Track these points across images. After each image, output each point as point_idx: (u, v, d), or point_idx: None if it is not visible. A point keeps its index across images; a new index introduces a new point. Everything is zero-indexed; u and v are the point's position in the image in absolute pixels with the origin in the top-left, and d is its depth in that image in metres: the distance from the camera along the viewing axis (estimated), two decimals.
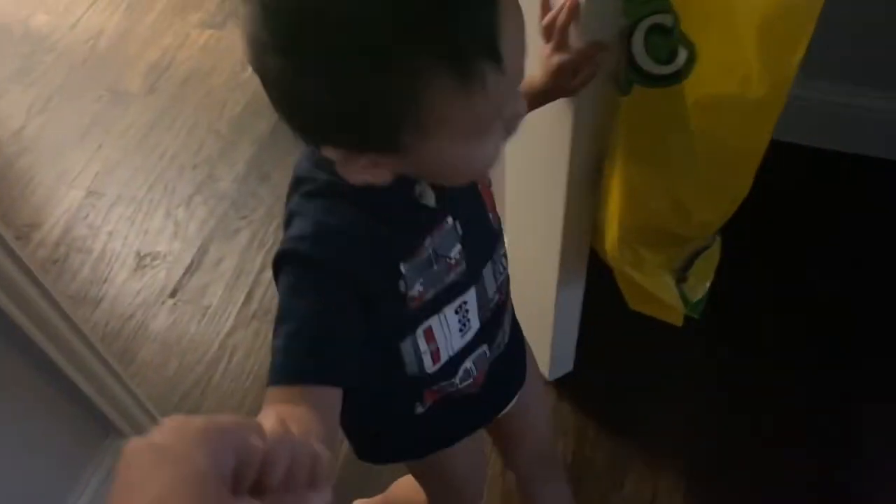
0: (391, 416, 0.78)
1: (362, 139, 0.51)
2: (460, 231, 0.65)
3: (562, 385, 1.33)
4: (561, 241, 1.03)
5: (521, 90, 0.58)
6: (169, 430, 0.33)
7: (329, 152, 0.52)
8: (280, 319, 0.55)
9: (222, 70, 1.90)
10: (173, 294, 1.50)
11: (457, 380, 0.73)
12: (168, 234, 1.59)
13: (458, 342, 0.69)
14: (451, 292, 0.66)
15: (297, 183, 0.60)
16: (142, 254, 1.57)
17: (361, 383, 0.54)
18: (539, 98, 0.77)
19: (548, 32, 0.75)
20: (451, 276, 0.65)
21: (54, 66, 1.96)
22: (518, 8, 0.49)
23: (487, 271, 0.70)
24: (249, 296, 1.48)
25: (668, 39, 0.75)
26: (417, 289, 0.63)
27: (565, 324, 1.22)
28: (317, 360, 0.54)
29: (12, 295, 0.93)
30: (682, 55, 0.75)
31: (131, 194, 1.67)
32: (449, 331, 0.68)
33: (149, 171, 1.71)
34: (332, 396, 0.53)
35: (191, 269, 1.53)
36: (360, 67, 0.45)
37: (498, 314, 0.74)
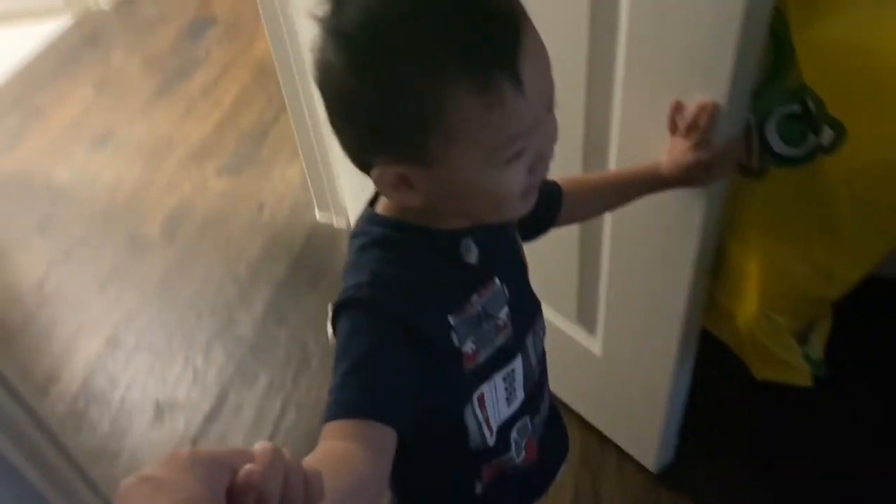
0: (450, 493, 0.78)
1: (395, 144, 0.56)
2: (507, 294, 0.69)
3: (665, 478, 1.31)
4: (682, 323, 1.06)
5: (645, 172, 0.75)
6: (161, 463, 0.35)
7: (371, 172, 0.58)
8: (337, 361, 0.57)
9: (239, 215, 1.95)
10: (193, 443, 1.48)
11: (513, 453, 0.74)
12: (187, 382, 1.59)
13: (504, 412, 0.71)
14: (500, 358, 0.69)
15: (353, 238, 0.65)
16: (161, 403, 1.56)
17: (423, 446, 0.57)
18: (660, 184, 0.84)
19: (687, 132, 0.82)
20: (500, 339, 0.68)
21: (75, 217, 2.02)
22: (543, 48, 0.55)
23: (529, 341, 0.73)
24: (271, 440, 1.46)
25: (798, 125, 0.85)
26: (470, 346, 0.65)
27: (674, 409, 1.22)
28: (372, 395, 0.56)
29: (30, 454, 0.92)
30: (828, 134, 0.83)
31: (150, 343, 1.68)
32: (497, 399, 0.70)
33: (167, 319, 1.72)
34: (387, 437, 0.54)
35: (210, 417, 1.52)
36: (397, 67, 0.52)
37: (540, 386, 0.77)
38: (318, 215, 1.89)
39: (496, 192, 0.58)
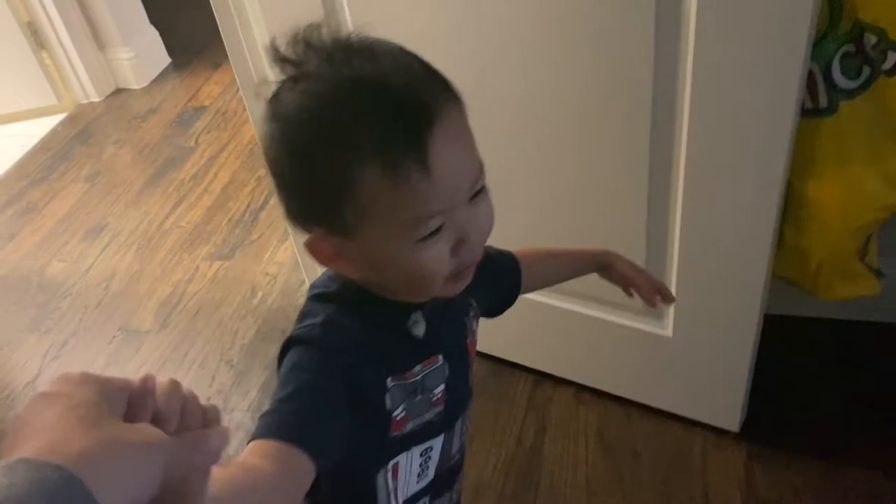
0: None
1: (321, 216, 0.62)
2: (447, 373, 0.72)
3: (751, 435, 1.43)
4: (763, 285, 1.19)
5: (590, 260, 0.88)
6: (56, 380, 0.39)
7: (309, 239, 0.63)
8: (277, 391, 0.60)
9: (232, 299, 1.96)
10: None
11: None
12: None
13: (412, 487, 0.74)
14: (424, 431, 0.71)
15: (311, 289, 0.69)
16: None
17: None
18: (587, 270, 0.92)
19: (628, 292, 0.91)
20: (429, 415, 0.71)
21: (69, 311, 2.02)
22: (461, 137, 0.60)
23: (458, 426, 0.76)
24: None
25: (855, 59, 1.07)
26: (400, 413, 0.68)
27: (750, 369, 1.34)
28: (303, 423, 0.58)
29: None
30: (891, 58, 1.06)
31: None
32: (410, 472, 0.72)
33: None
34: (305, 469, 0.56)
35: None
36: (315, 146, 0.59)
37: (452, 474, 0.79)
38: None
39: (415, 270, 0.61)
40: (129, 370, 1.81)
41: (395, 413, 0.67)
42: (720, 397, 1.42)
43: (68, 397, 0.38)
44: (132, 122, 2.84)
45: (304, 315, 0.67)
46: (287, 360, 0.63)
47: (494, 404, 1.59)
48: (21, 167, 2.67)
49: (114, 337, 1.91)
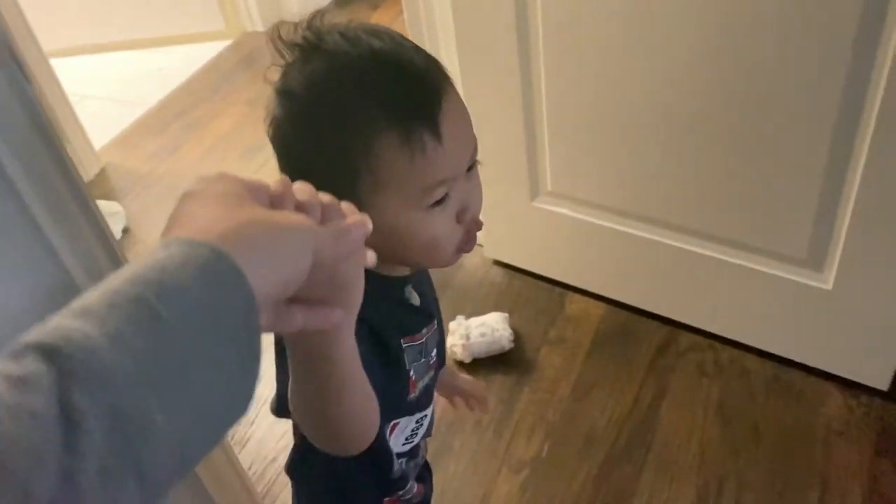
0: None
1: (332, 189, 0.60)
2: (438, 337, 0.78)
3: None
4: None
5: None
6: (196, 180, 0.42)
7: None
8: None
9: None
10: None
11: (411, 488, 0.83)
12: None
13: (398, 448, 0.79)
14: (423, 399, 0.77)
15: None
16: None
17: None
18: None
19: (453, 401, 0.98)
20: (427, 379, 0.77)
21: None
22: (464, 111, 0.65)
23: (435, 395, 0.82)
24: None
25: None
26: (413, 373, 0.73)
27: None
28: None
29: None
30: None
31: None
32: (402, 435, 0.78)
33: None
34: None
35: None
36: (331, 119, 0.61)
37: (425, 440, 0.86)
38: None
39: (424, 235, 0.64)
40: None
41: (411, 374, 0.72)
42: (872, 354, 1.41)
43: (212, 190, 0.40)
44: None
45: None
46: None
47: (615, 362, 1.60)
48: (189, 85, 2.85)
49: None
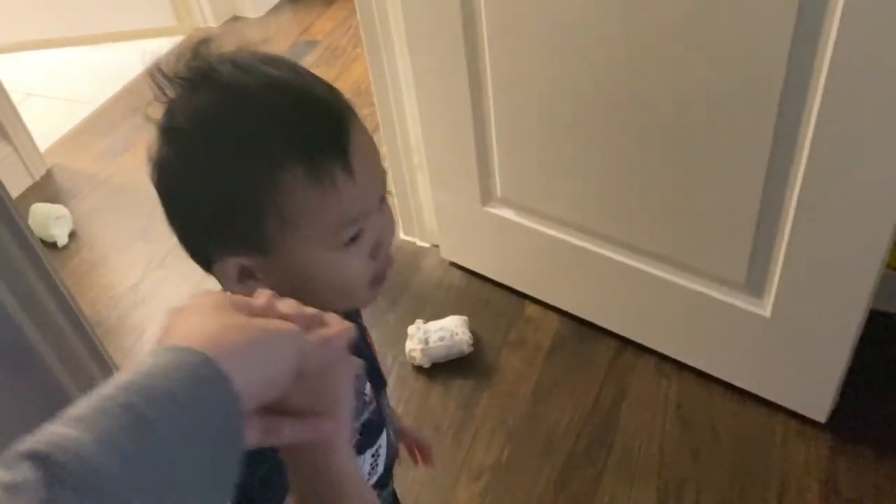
0: None
1: (233, 234, 0.58)
2: (369, 359, 0.73)
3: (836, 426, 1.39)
4: (878, 267, 1.15)
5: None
6: (191, 298, 0.43)
7: (213, 268, 0.60)
8: None
9: None
10: None
11: None
12: None
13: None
14: (370, 434, 0.72)
15: None
16: None
17: None
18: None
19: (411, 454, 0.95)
20: (366, 414, 0.71)
21: None
22: (371, 141, 0.60)
23: (386, 412, 0.77)
24: None
25: None
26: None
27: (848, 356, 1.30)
28: None
29: None
30: None
31: None
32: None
33: None
34: None
35: None
36: (230, 154, 0.56)
37: (393, 459, 0.80)
38: (402, 233, 1.92)
39: (339, 275, 0.60)
40: None
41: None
42: (810, 386, 1.39)
43: (198, 303, 0.42)
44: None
45: None
46: None
47: (575, 363, 1.59)
48: (139, 83, 2.77)
49: None
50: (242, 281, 0.59)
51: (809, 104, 1.06)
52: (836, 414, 1.40)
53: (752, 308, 1.34)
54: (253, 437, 0.41)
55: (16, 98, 2.24)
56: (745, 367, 1.47)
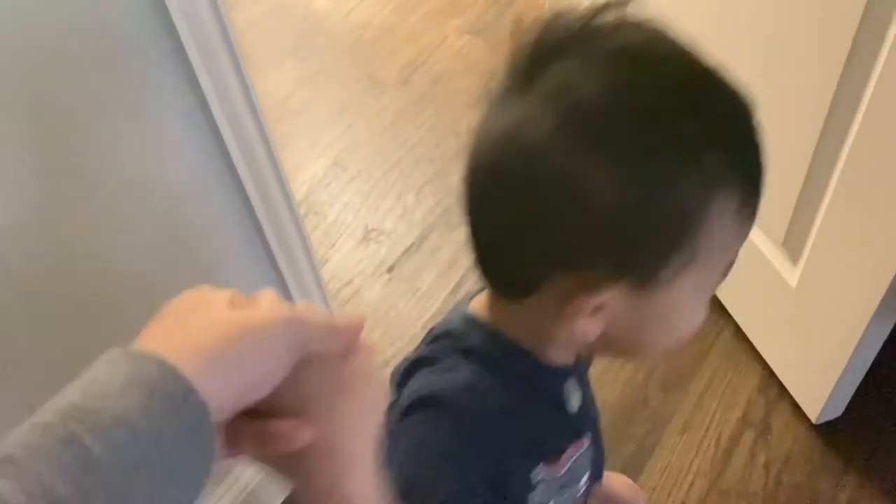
0: None
1: (624, 260, 0.44)
2: (591, 455, 0.60)
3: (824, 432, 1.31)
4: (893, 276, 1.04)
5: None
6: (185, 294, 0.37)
7: (552, 289, 0.46)
8: (395, 463, 0.42)
9: (472, 76, 2.00)
10: (390, 270, 1.61)
11: None
12: (396, 215, 1.71)
13: None
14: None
15: (440, 336, 0.55)
16: (369, 228, 1.69)
17: None
18: None
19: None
20: None
21: (325, 47, 2.16)
22: None
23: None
24: (458, 286, 1.56)
25: None
26: (537, 500, 0.56)
27: (859, 361, 1.19)
28: None
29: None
30: None
31: (370, 173, 1.81)
32: None
33: (389, 156, 1.84)
34: None
35: (410, 251, 1.63)
36: (664, 158, 0.42)
37: None
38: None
39: (693, 323, 0.49)
40: (367, 114, 1.94)
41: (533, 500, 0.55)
42: (815, 375, 1.28)
43: (184, 299, 0.37)
44: None
45: (431, 360, 0.52)
46: (417, 425, 0.50)
47: None
48: None
49: (359, 81, 2.03)
50: (587, 314, 0.46)
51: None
52: (833, 424, 1.29)
53: (783, 271, 1.24)
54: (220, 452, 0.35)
55: None
56: (764, 328, 1.37)
